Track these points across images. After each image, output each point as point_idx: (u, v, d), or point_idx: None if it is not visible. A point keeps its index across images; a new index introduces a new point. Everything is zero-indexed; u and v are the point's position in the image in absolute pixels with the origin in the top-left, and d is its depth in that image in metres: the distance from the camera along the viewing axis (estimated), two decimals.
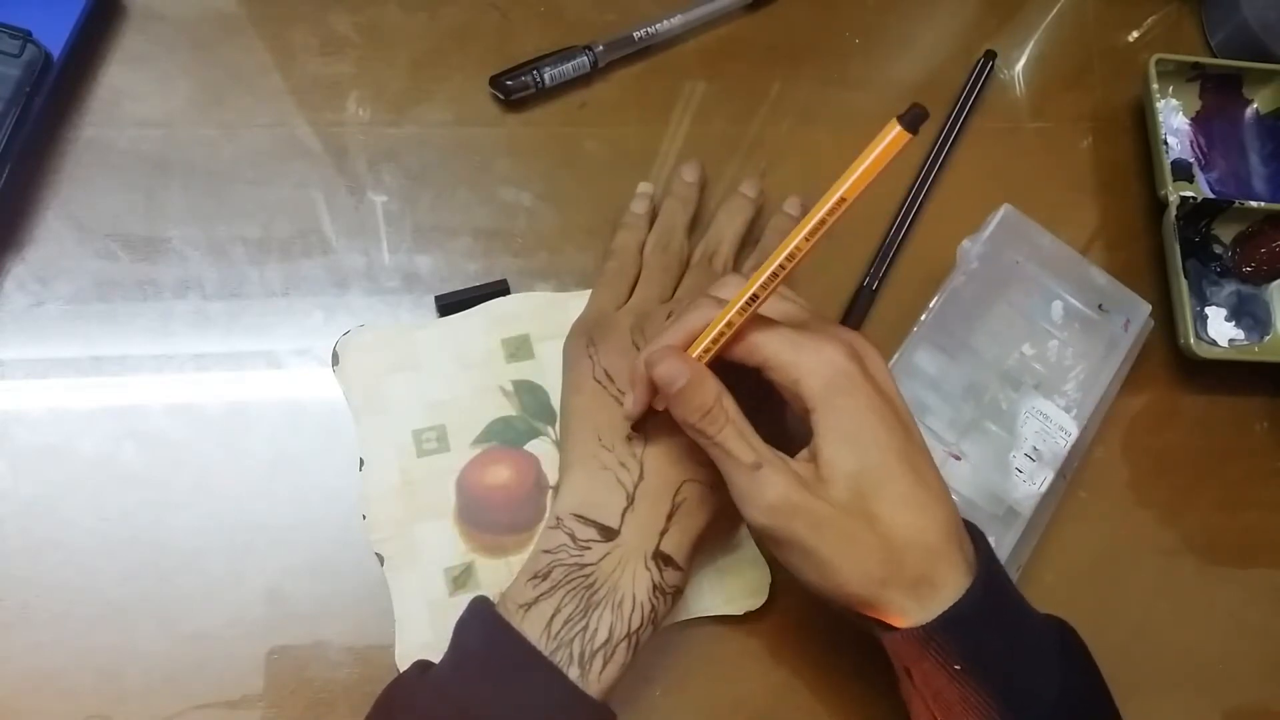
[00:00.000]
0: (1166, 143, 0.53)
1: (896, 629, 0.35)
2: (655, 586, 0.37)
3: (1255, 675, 0.48)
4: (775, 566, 0.45)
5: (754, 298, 0.34)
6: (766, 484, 0.34)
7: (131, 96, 0.48)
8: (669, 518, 0.38)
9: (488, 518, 0.44)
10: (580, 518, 0.38)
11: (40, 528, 0.42)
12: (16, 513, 0.42)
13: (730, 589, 0.44)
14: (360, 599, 0.42)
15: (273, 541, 0.43)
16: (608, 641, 0.36)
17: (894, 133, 0.31)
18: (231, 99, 0.48)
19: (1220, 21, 0.58)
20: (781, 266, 0.33)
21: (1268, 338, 0.53)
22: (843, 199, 0.32)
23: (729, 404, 0.35)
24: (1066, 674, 0.36)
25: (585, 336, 0.43)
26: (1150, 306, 0.48)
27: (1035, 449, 0.46)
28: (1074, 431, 0.46)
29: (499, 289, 0.47)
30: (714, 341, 0.35)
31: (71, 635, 0.41)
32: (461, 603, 0.42)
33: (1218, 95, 0.56)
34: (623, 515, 0.38)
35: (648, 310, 0.43)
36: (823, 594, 0.36)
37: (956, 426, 0.46)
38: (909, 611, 0.34)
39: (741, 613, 0.44)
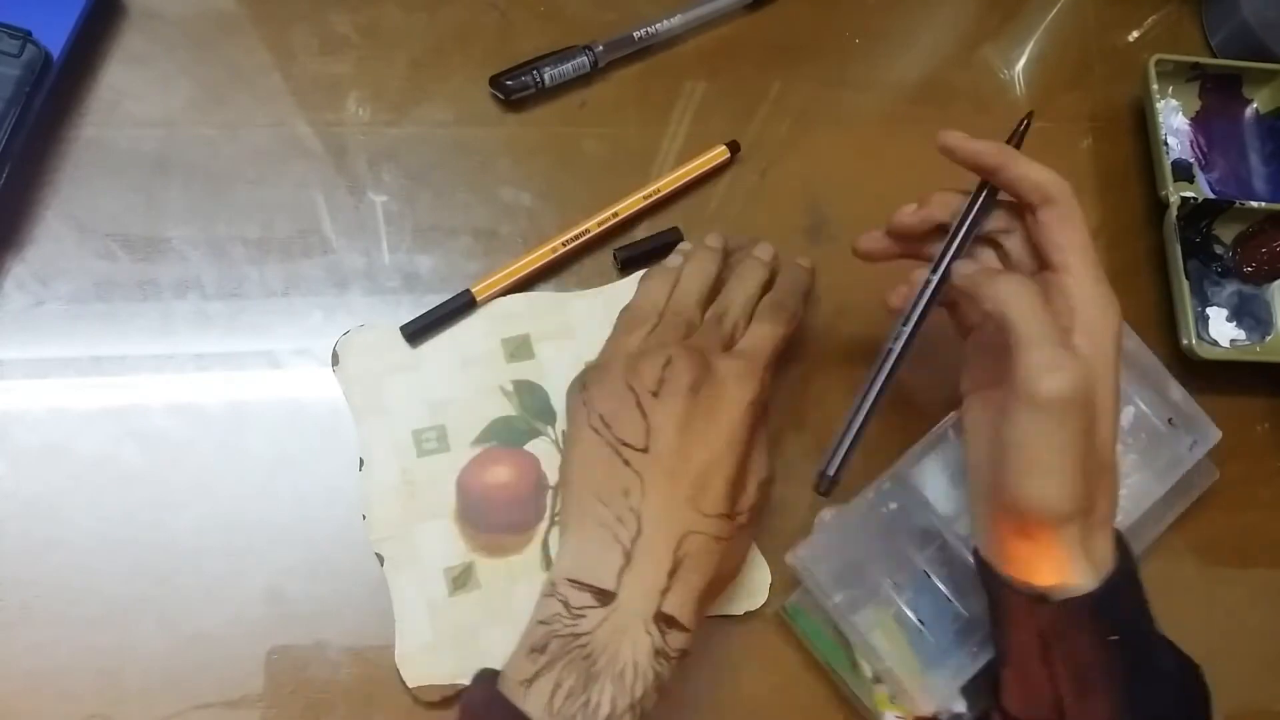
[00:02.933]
0: (1167, 143, 0.53)
1: (1057, 597, 0.35)
2: (658, 652, 0.35)
3: (1255, 675, 0.48)
4: (775, 566, 0.45)
5: None
6: (1076, 358, 0.35)
7: (131, 96, 0.48)
8: (671, 574, 0.36)
9: (488, 518, 0.44)
10: (574, 582, 0.36)
11: (40, 528, 0.42)
12: (16, 513, 0.42)
13: (731, 589, 0.44)
14: (360, 599, 0.42)
15: (273, 541, 0.43)
16: (611, 715, 0.34)
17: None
18: (231, 99, 0.48)
19: (1220, 21, 0.58)
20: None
21: (1269, 338, 0.53)
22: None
23: (1033, 280, 0.37)
24: (1185, 669, 0.38)
25: (580, 382, 0.41)
26: (1220, 434, 0.46)
27: None
28: None
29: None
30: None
31: (71, 635, 0.41)
32: (462, 603, 0.42)
33: (1217, 95, 0.56)
34: (619, 575, 0.36)
35: (643, 355, 0.40)
36: (1026, 500, 0.35)
37: None
38: (1077, 564, 0.35)
39: (741, 613, 0.44)
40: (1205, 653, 0.48)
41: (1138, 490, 0.46)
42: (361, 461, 0.44)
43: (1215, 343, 0.52)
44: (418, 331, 0.45)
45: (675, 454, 0.37)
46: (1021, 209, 0.39)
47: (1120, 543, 0.37)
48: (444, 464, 0.44)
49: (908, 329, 0.39)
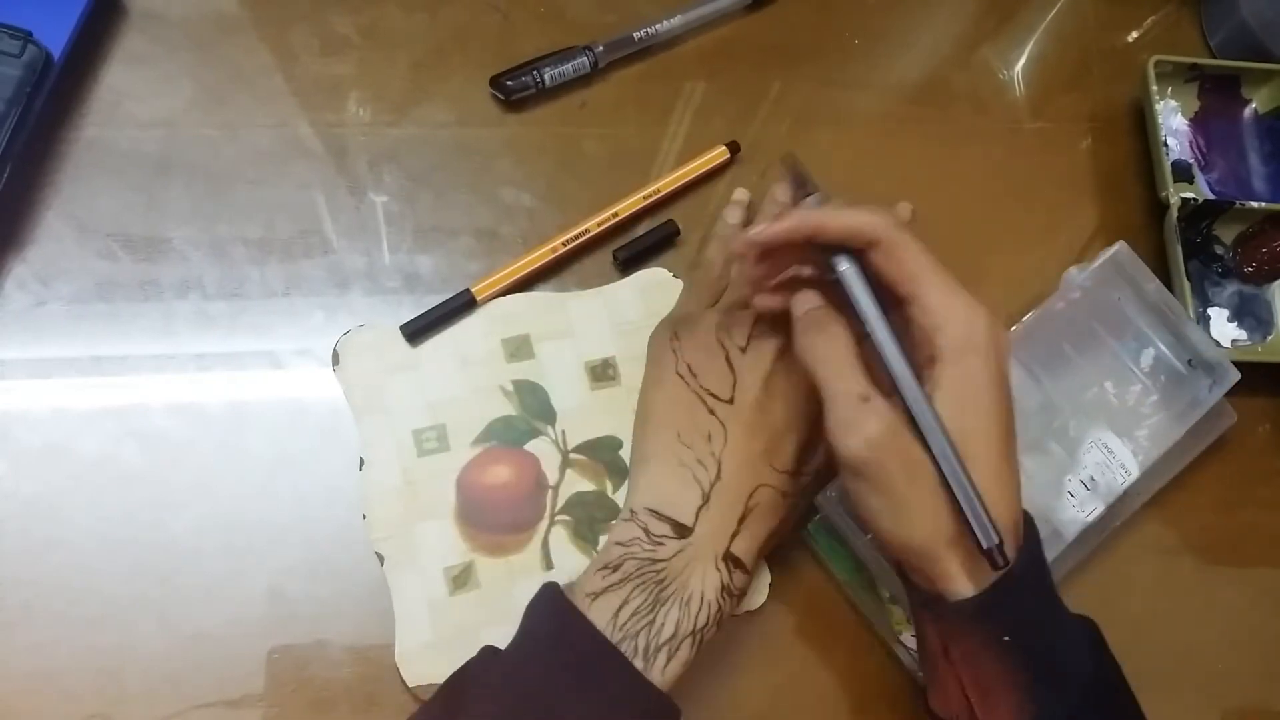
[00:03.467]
0: (1166, 144, 0.53)
1: (948, 600, 0.35)
2: (723, 587, 0.38)
3: (1255, 675, 0.48)
4: (775, 568, 0.45)
5: None
6: (873, 414, 0.34)
7: (132, 97, 0.48)
8: (741, 520, 0.39)
9: (488, 517, 0.44)
10: (655, 513, 0.39)
11: (40, 528, 0.42)
12: (17, 513, 0.42)
13: None
14: (360, 598, 0.42)
15: (273, 541, 0.43)
16: (673, 637, 0.36)
17: None
18: (232, 99, 0.48)
19: (1220, 21, 0.58)
20: None
21: (1270, 338, 0.53)
22: None
23: (849, 334, 0.36)
24: (1098, 663, 0.36)
25: (670, 331, 0.43)
26: (1239, 375, 0.47)
27: (1092, 479, 0.46)
28: (1134, 472, 0.46)
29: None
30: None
31: (71, 635, 0.41)
32: (462, 602, 0.42)
33: (1216, 95, 0.56)
34: (697, 513, 0.38)
35: (733, 311, 0.43)
36: (888, 541, 0.36)
37: (1020, 441, 0.46)
38: (958, 581, 0.34)
39: (741, 612, 0.44)
40: (1205, 653, 0.48)
41: (1158, 431, 0.47)
42: (362, 461, 0.44)
43: (1217, 343, 0.52)
44: (418, 331, 0.45)
45: (757, 408, 0.40)
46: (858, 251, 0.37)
47: (1027, 527, 0.36)
48: (444, 464, 0.44)
49: (907, 373, 0.35)
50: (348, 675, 0.42)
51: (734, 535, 0.38)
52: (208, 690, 0.41)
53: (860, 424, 0.34)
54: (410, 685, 0.41)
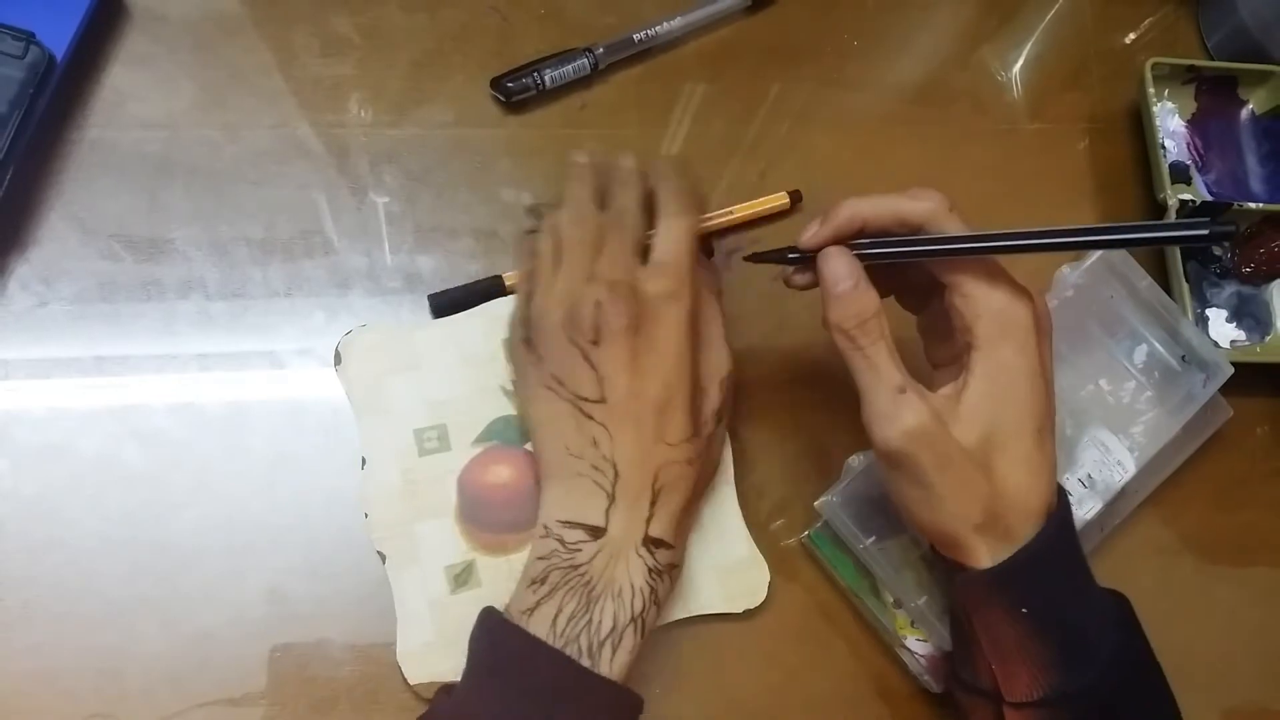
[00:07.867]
0: (1164, 146, 0.53)
1: (968, 569, 0.36)
2: (651, 570, 0.38)
3: (1255, 675, 0.48)
4: (774, 566, 0.45)
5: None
6: (908, 408, 0.35)
7: (134, 98, 0.48)
8: (653, 504, 0.38)
9: (489, 516, 0.44)
10: (566, 523, 0.38)
11: (41, 528, 0.42)
12: (17, 513, 0.42)
13: (729, 588, 0.45)
14: (362, 598, 0.43)
15: (274, 541, 0.43)
16: (614, 630, 0.36)
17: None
18: (234, 100, 0.48)
19: (1217, 23, 0.58)
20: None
21: (1269, 338, 0.53)
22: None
23: (884, 321, 0.36)
24: (1122, 638, 0.37)
25: (521, 339, 0.41)
26: (1232, 369, 0.47)
27: (1090, 476, 0.46)
28: (1131, 469, 0.46)
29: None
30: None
31: (72, 635, 0.41)
32: (462, 600, 0.43)
33: (1213, 97, 0.56)
34: (606, 513, 0.38)
35: (575, 298, 0.39)
36: (917, 526, 0.37)
37: None
38: (983, 557, 0.35)
39: (740, 611, 0.45)
40: (1205, 653, 0.48)
41: (1154, 427, 0.47)
42: (363, 461, 0.44)
43: (1216, 344, 0.52)
44: (443, 306, 0.46)
45: (632, 397, 0.38)
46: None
47: (1056, 523, 0.36)
48: (445, 463, 0.44)
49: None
50: (349, 674, 0.42)
51: (649, 520, 0.38)
52: (209, 689, 0.41)
53: (897, 416, 0.35)
54: (412, 684, 0.41)
